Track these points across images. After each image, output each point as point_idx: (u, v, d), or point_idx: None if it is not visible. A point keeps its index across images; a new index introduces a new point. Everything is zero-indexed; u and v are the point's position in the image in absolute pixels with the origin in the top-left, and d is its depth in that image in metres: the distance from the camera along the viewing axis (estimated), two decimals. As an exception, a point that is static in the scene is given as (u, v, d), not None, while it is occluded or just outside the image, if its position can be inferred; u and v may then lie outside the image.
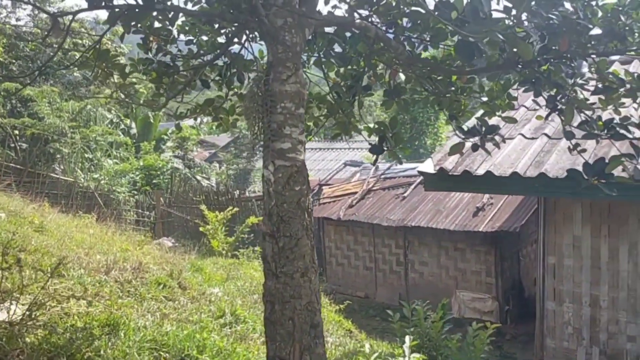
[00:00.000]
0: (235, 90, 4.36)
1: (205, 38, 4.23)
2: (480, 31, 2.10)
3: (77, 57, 16.92)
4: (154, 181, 19.54)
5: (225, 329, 5.63)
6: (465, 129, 3.44)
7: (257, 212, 16.51)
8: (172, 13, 3.71)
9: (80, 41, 22.41)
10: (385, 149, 3.78)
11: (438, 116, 22.20)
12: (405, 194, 13.38)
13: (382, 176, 14.82)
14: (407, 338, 4.74)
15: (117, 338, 4.26)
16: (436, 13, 2.98)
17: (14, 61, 21.12)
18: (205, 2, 2.93)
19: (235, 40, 3.99)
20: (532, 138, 6.75)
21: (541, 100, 3.37)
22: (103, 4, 2.55)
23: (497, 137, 3.44)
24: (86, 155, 19.58)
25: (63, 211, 12.83)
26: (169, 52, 4.15)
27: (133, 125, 27.10)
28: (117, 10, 2.81)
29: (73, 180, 17.18)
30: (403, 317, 6.59)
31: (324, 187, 15.70)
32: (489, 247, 11.89)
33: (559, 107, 3.17)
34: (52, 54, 22.21)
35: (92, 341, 4.01)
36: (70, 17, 3.29)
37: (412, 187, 13.59)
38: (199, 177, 23.86)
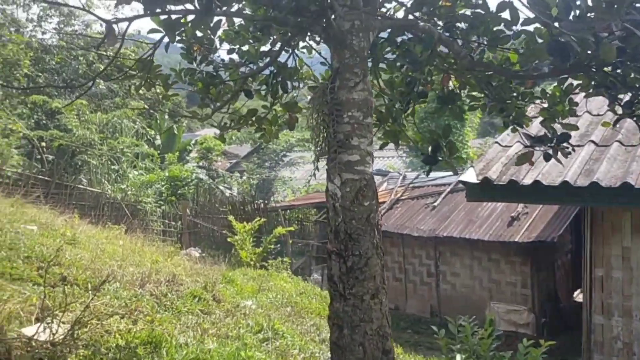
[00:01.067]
0: (279, 100, 4.22)
1: (245, 48, 4.10)
2: (577, 29, 1.91)
3: (101, 69, 16.98)
4: (179, 192, 19.55)
5: (265, 345, 5.46)
6: (514, 135, 3.24)
7: (283, 223, 16.41)
8: (215, 21, 3.59)
9: (104, 53, 22.65)
10: (439, 158, 3.59)
11: (464, 124, 21.87)
12: (436, 204, 13.12)
13: (411, 185, 14.58)
14: (458, 357, 4.51)
15: (159, 357, 4.13)
16: (499, 14, 2.78)
17: (40, 74, 21.42)
18: (273, 6, 2.78)
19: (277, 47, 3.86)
20: (578, 145, 6.49)
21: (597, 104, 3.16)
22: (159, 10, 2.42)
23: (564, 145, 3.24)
24: (112, 167, 19.69)
25: (92, 222, 12.86)
26: (212, 61, 4.03)
27: (157, 136, 27.31)
28: (169, 16, 2.68)
29: (100, 192, 17.25)
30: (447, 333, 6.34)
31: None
32: (525, 257, 11.56)
33: (636, 113, 2.95)
34: (77, 67, 22.53)
35: (136, 361, 3.88)
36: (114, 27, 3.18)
37: (442, 196, 13.32)
38: (221, 187, 23.89)
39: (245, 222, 12.60)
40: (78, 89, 20.58)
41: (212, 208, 17.53)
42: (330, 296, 2.45)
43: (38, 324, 3.91)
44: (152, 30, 3.41)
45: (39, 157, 18.55)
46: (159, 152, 23.52)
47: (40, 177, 15.81)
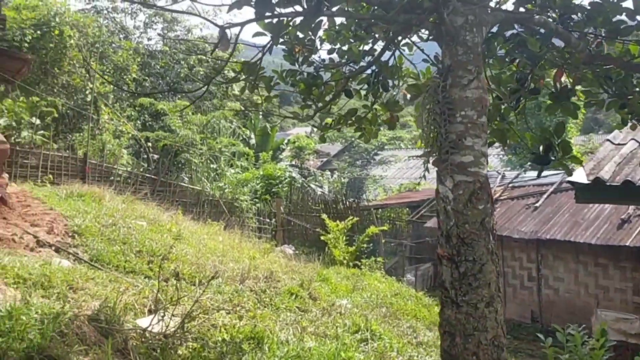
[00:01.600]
0: (379, 99, 4.16)
1: (346, 47, 4.08)
2: None
3: (201, 73, 17.70)
4: (273, 190, 20.04)
5: (364, 346, 5.43)
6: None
7: (375, 222, 16.31)
8: (316, 21, 3.59)
9: (204, 57, 23.71)
10: (552, 158, 3.38)
11: (567, 120, 20.63)
12: (537, 204, 12.47)
13: (510, 185, 13.97)
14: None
15: (262, 352, 4.22)
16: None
17: (146, 78, 22.80)
18: (380, 4, 2.74)
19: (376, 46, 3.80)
20: None
21: None
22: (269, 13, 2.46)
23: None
24: (211, 165, 20.55)
25: (194, 219, 13.47)
26: (313, 62, 4.05)
27: (252, 135, 28.19)
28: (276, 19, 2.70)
29: (200, 189, 18.05)
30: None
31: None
32: (636, 263, 10.70)
33: None
34: (179, 70, 23.71)
35: (241, 356, 3.99)
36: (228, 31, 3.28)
37: (545, 196, 12.64)
38: (313, 186, 24.22)
39: (338, 221, 12.65)
40: (188, 93, 21.69)
41: (304, 206, 17.80)
42: (440, 302, 2.37)
43: (151, 316, 4.14)
44: (257, 34, 3.48)
45: (145, 156, 19.78)
46: (254, 151, 24.22)
47: (148, 175, 16.78)
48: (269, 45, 3.14)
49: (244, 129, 26.51)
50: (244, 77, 4.11)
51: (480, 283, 2.21)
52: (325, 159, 37.77)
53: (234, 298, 5.65)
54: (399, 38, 3.52)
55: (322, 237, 12.83)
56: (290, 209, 18.14)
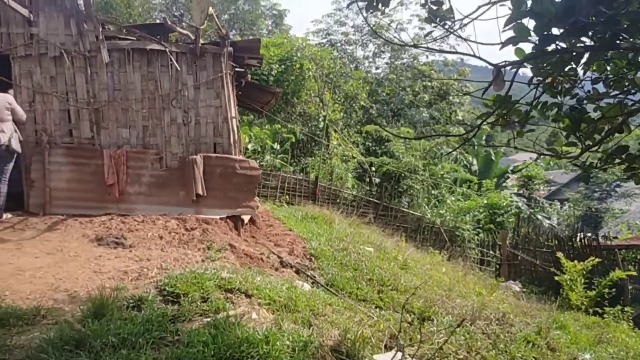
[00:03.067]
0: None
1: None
2: None
3: (425, 99, 17.63)
4: (498, 220, 19.00)
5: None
6: None
7: (619, 264, 14.29)
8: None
9: (429, 84, 23.86)
10: None
11: None
12: None
13: None
14: None
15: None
16: None
17: (372, 105, 23.72)
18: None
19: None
20: None
21: None
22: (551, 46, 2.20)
23: None
24: (432, 192, 20.38)
25: (417, 247, 13.44)
26: (576, 94, 3.61)
27: (474, 162, 27.31)
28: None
29: (421, 216, 17.98)
30: None
31: None
32: None
33: None
34: (404, 97, 24.17)
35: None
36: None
37: None
38: (540, 217, 22.36)
39: (575, 261, 11.35)
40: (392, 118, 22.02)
41: (533, 240, 16.45)
42: None
43: (389, 354, 4.09)
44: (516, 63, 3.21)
45: (367, 179, 20.50)
46: (477, 177, 23.38)
47: (371, 199, 17.30)
48: (538, 81, 2.85)
49: (465, 154, 25.84)
50: (496, 110, 3.86)
51: None
52: (554, 188, 34.77)
53: (468, 340, 5.34)
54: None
55: (556, 277, 11.64)
56: (516, 241, 16.94)
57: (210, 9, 6.62)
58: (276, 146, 16.97)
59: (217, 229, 7.14)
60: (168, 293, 4.28)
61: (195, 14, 6.72)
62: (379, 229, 14.34)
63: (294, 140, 17.30)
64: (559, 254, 11.82)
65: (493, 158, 27.77)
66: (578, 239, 14.55)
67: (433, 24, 3.66)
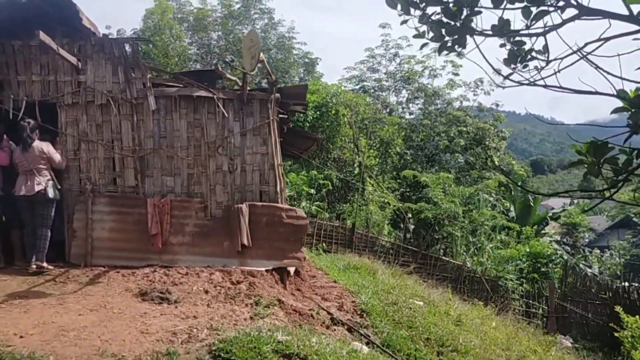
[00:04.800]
0: None
1: None
2: None
3: (461, 144, 17.21)
4: (542, 269, 18.17)
5: None
6: None
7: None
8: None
9: (464, 129, 23.48)
10: None
11: None
12: None
13: None
14: None
15: None
16: None
17: (407, 151, 23.39)
18: None
19: None
20: None
21: None
22: None
23: None
24: (470, 239, 19.70)
25: (463, 299, 12.78)
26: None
27: (512, 207, 26.53)
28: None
29: (461, 264, 17.31)
30: None
31: None
32: None
33: None
34: (438, 142, 23.84)
35: None
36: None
37: None
38: (581, 265, 21.39)
39: (637, 316, 10.54)
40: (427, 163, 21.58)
41: (583, 291, 15.57)
42: None
43: None
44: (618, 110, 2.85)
45: (401, 226, 19.96)
46: (517, 224, 22.60)
47: (410, 247, 16.76)
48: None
49: (503, 200, 25.15)
50: (585, 159, 3.46)
51: None
52: (596, 233, 33.51)
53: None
54: None
55: (616, 334, 10.82)
56: (565, 293, 16.09)
57: (262, 54, 6.45)
58: (312, 192, 16.67)
59: (263, 282, 6.76)
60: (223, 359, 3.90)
61: (246, 60, 6.57)
62: (420, 279, 13.76)
63: (331, 187, 17.00)
64: (618, 308, 11.03)
65: (531, 204, 26.96)
66: (636, 291, 13.68)
67: (512, 65, 3.36)
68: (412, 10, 3.82)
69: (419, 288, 11.04)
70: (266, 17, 26.95)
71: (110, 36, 7.19)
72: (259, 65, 6.57)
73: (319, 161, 18.61)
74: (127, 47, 7.13)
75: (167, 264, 6.95)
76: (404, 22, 3.82)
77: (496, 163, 24.89)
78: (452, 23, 3.69)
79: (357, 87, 25.61)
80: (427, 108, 24.71)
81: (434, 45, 3.76)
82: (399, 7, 3.80)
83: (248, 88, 7.31)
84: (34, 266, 6.40)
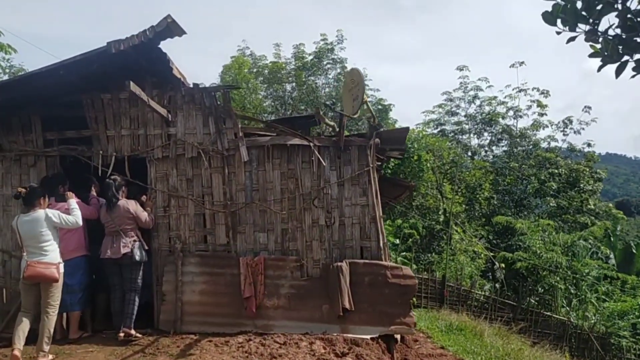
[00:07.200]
0: None
1: None
2: None
3: (554, 187, 15.64)
4: (662, 326, 16.08)
5: None
6: None
7: None
8: None
9: (556, 170, 21.92)
10: None
11: None
12: None
13: None
14: None
15: None
16: None
17: (493, 196, 22.03)
18: None
19: None
20: None
21: None
22: None
23: None
24: (572, 291, 17.89)
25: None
26: None
27: (611, 255, 24.30)
28: None
29: (566, 319, 15.59)
30: None
31: None
32: None
33: None
34: (527, 186, 22.35)
35: None
36: None
37: None
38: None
39: None
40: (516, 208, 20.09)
41: None
42: None
43: None
44: None
45: (491, 277, 18.48)
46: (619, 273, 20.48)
47: (507, 301, 15.31)
48: None
49: (602, 247, 23.03)
50: None
51: None
52: None
53: None
54: None
55: None
56: (693, 354, 14.03)
57: (365, 95, 5.83)
58: (397, 242, 15.72)
59: (370, 352, 5.91)
60: None
61: (347, 102, 5.96)
62: (525, 337, 12.36)
63: (417, 236, 15.99)
64: None
65: (634, 250, 24.61)
66: None
67: None
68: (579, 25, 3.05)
69: (532, 352, 9.75)
70: (339, 67, 26.81)
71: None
72: (364, 107, 5.94)
73: (401, 209, 17.71)
74: (218, 96, 6.73)
75: (262, 330, 6.26)
76: (571, 39, 3.05)
77: (592, 207, 23.00)
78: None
79: (436, 131, 24.71)
80: (512, 150, 23.36)
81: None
82: (559, 22, 3.04)
83: (345, 133, 6.68)
84: (122, 334, 5.90)
